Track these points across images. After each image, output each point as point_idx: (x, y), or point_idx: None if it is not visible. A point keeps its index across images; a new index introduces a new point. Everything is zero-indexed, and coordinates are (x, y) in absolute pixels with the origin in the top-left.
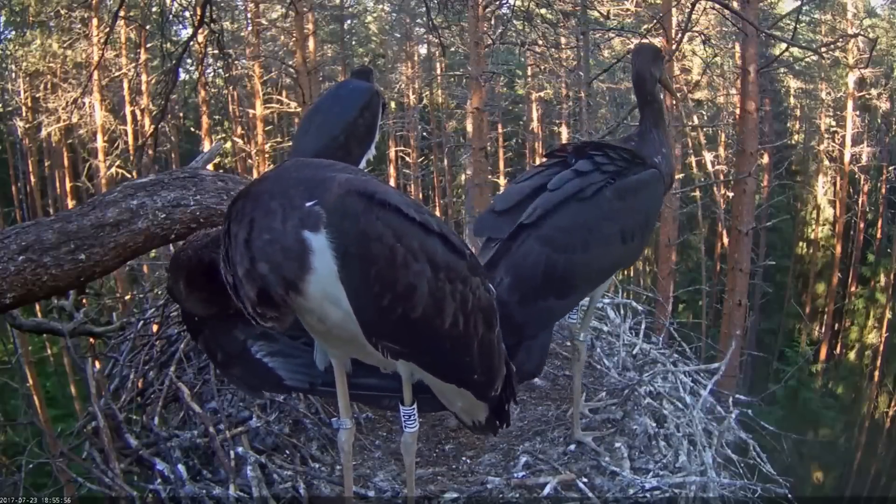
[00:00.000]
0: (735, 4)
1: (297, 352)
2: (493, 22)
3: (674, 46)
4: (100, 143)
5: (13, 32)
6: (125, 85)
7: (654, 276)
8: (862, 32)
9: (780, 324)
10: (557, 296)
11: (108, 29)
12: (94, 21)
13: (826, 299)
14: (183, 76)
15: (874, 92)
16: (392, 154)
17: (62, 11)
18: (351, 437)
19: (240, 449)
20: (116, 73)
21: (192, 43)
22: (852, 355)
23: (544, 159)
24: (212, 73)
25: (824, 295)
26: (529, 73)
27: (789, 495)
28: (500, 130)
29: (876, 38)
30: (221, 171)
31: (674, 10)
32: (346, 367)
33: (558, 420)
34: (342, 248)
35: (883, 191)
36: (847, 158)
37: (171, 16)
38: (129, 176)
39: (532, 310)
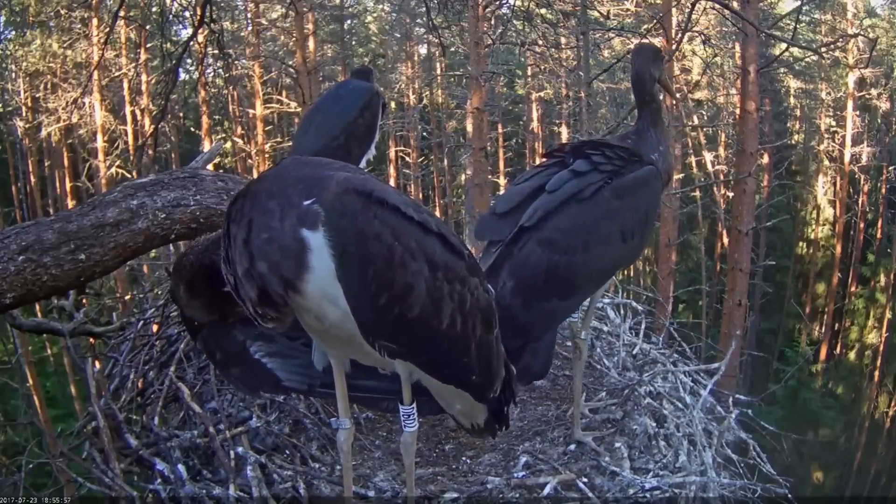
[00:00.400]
0: (735, 4)
1: (296, 352)
2: (493, 22)
3: (674, 46)
4: (100, 143)
5: (13, 32)
6: (125, 85)
7: (654, 276)
8: (862, 32)
9: (780, 324)
10: (560, 297)
11: (108, 29)
12: (94, 21)
13: (826, 299)
14: (183, 76)
15: (874, 92)
16: (392, 154)
17: (62, 11)
18: (350, 437)
19: (240, 449)
20: (116, 73)
21: (192, 43)
22: (852, 355)
23: (543, 160)
24: (212, 73)
25: (824, 295)
26: (529, 73)
27: (789, 495)
28: (500, 130)
29: (876, 38)
30: (221, 171)
31: (674, 10)
32: (345, 368)
33: (558, 420)
34: (340, 247)
35: (883, 191)
36: (847, 158)
37: (171, 16)
38: (129, 176)
39: (536, 312)
